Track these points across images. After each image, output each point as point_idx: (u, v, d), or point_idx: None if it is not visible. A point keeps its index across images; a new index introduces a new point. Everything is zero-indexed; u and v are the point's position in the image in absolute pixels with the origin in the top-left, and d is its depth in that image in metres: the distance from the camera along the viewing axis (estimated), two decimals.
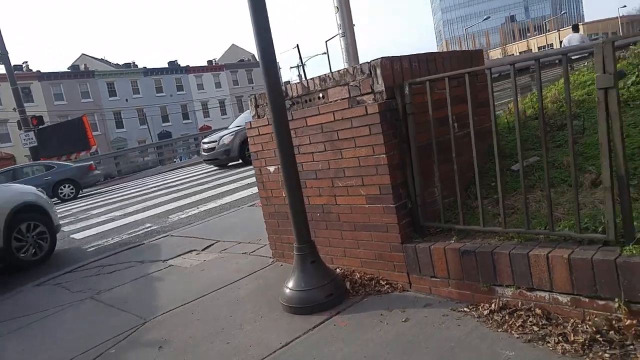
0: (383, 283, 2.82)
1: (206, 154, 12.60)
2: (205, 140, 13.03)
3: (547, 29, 77.64)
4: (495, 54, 77.43)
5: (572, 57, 10.41)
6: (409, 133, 2.73)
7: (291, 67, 75.46)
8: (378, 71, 2.75)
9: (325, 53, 40.82)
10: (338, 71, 3.00)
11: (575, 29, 12.12)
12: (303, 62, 36.91)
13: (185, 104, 51.38)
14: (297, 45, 36.89)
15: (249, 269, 3.63)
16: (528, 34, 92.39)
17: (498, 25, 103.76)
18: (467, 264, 2.43)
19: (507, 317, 2.17)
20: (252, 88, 51.24)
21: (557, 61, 11.86)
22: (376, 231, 2.84)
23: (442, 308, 2.43)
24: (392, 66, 2.78)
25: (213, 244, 4.62)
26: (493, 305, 2.28)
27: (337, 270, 3.07)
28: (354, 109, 2.81)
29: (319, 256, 2.83)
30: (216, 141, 12.17)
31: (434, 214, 2.79)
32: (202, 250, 4.51)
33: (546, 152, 2.48)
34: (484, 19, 58.53)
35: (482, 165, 3.20)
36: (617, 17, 66.90)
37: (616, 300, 1.94)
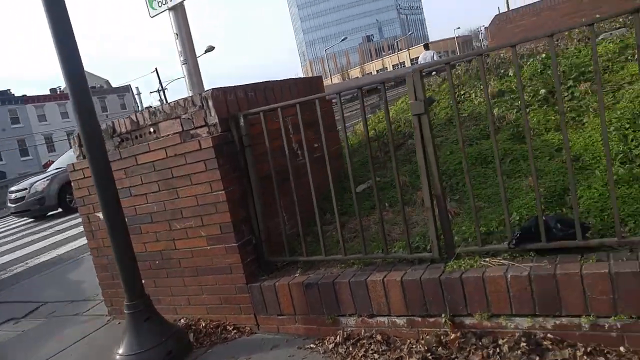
0: (230, 328, 2.62)
1: (14, 205, 10.25)
2: (13, 188, 10.65)
3: (399, 47, 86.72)
4: (355, 72, 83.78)
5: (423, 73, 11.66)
6: (248, 166, 2.62)
7: (151, 92, 70.98)
8: (210, 103, 2.62)
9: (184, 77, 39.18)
10: (169, 103, 2.82)
11: (426, 47, 13.66)
12: (164, 86, 35.06)
13: (24, 139, 44.78)
14: (156, 69, 34.99)
15: (79, 333, 3.10)
16: (383, 53, 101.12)
17: (356, 45, 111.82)
18: (311, 297, 2.37)
19: (350, 349, 2.14)
20: (107, 116, 46.89)
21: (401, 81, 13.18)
22: (220, 274, 2.65)
23: (289, 348, 2.32)
24: (226, 97, 2.68)
25: (39, 307, 3.89)
26: (338, 337, 2.24)
27: (182, 320, 2.78)
28: (187, 144, 2.62)
29: (155, 311, 2.51)
30: (26, 189, 10.02)
31: (282, 247, 2.70)
32: (24, 317, 3.77)
33: (375, 176, 2.59)
34: (342, 40, 62.69)
35: (329, 191, 3.22)
36: (454, 37, 77.79)
37: (443, 316, 2.04)
